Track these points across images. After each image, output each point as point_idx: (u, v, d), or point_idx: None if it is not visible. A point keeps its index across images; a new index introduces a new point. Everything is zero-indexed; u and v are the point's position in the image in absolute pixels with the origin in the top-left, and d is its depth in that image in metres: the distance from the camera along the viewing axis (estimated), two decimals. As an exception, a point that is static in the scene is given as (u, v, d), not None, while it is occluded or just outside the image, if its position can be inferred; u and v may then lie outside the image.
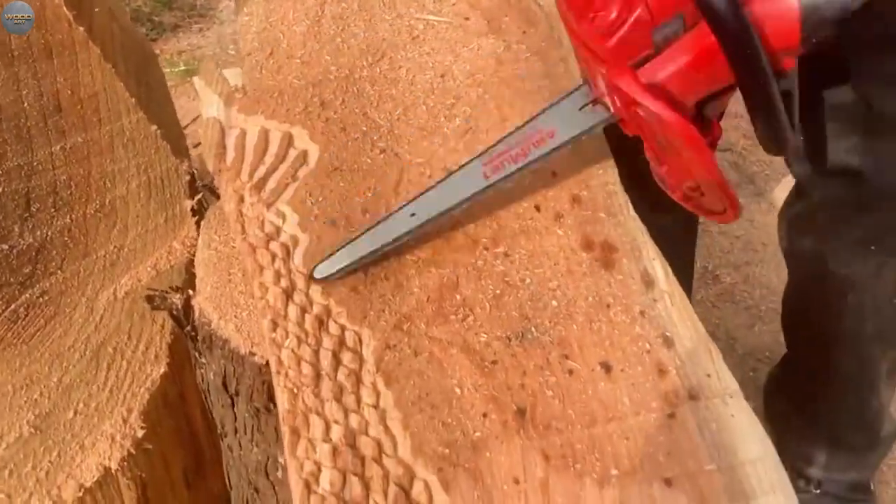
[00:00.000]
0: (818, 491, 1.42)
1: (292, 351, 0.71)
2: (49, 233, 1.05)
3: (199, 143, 1.03)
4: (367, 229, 0.77)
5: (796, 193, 1.20)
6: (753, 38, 0.60)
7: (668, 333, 0.75)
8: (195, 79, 0.98)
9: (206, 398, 0.98)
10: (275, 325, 0.73)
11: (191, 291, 0.87)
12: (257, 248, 0.79)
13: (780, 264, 1.74)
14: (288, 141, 0.90)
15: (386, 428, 0.67)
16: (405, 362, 0.71)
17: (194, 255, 0.93)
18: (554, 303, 0.77)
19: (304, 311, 0.74)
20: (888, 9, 0.89)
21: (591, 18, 0.67)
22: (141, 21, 2.72)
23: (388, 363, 0.71)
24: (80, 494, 0.92)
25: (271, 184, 0.86)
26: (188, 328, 0.90)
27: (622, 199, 0.87)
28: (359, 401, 0.69)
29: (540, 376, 0.71)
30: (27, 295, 1.04)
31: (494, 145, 0.80)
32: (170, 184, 1.04)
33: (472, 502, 0.63)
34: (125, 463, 1.01)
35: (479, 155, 0.80)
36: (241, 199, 0.84)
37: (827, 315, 1.25)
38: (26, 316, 1.04)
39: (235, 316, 0.82)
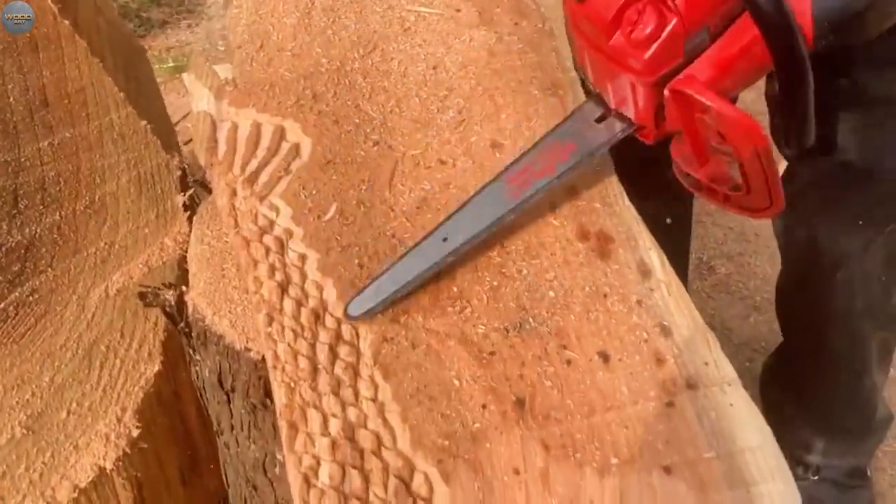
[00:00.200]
0: (816, 477, 1.44)
1: (289, 345, 0.70)
2: (38, 230, 1.03)
3: (190, 140, 1.02)
4: (399, 259, 0.75)
5: (787, 176, 1.21)
6: (796, 32, 0.65)
7: (665, 322, 0.74)
8: (184, 74, 0.97)
9: (201, 395, 0.97)
10: (270, 319, 0.73)
11: (184, 287, 0.86)
12: (251, 242, 0.79)
13: (774, 254, 1.74)
14: (280, 134, 0.89)
15: (384, 421, 0.66)
16: (403, 355, 0.71)
17: (186, 252, 0.92)
18: (551, 293, 0.76)
19: (299, 304, 0.74)
20: None
21: (627, 33, 0.71)
22: (129, 17, 2.70)
23: (386, 356, 0.71)
24: (75, 495, 0.91)
25: (264, 177, 0.85)
26: (182, 325, 0.89)
27: (617, 189, 0.86)
28: (357, 394, 0.68)
29: (538, 367, 0.71)
30: (17, 293, 1.03)
31: (515, 162, 0.80)
32: (160, 179, 1.03)
33: (472, 493, 0.62)
34: (120, 463, 1.00)
35: (502, 174, 0.80)
36: (234, 193, 0.84)
37: (818, 294, 1.27)
38: (16, 315, 1.03)
39: (230, 311, 0.81)
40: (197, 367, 0.92)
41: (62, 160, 1.03)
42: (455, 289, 0.77)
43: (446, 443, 0.65)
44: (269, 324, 0.72)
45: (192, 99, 0.92)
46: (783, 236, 1.30)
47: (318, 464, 0.63)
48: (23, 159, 1.01)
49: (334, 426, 0.65)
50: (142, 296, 0.88)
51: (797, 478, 1.45)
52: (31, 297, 1.04)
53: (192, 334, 0.86)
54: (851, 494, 1.42)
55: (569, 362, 0.71)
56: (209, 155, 0.88)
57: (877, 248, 1.18)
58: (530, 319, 0.74)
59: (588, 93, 0.84)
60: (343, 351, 0.71)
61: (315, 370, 0.69)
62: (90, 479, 0.97)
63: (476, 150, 0.89)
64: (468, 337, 0.73)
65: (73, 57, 0.99)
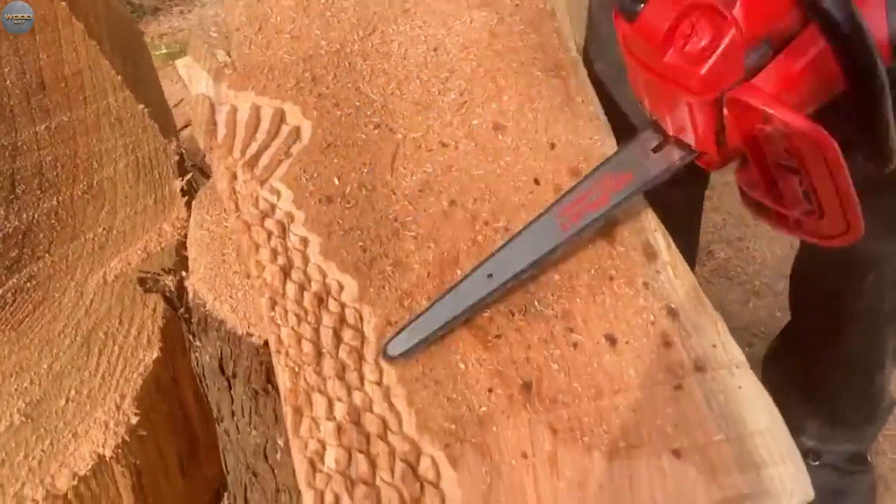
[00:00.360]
0: (816, 463, 1.43)
1: (292, 329, 0.69)
2: (35, 215, 1.02)
3: (187, 125, 1.01)
4: (441, 297, 0.71)
5: None
6: (872, 47, 0.61)
7: (672, 305, 0.74)
8: (178, 60, 0.96)
9: (201, 382, 0.96)
10: (273, 303, 0.72)
11: (184, 273, 0.85)
12: (252, 226, 0.77)
13: (774, 239, 1.74)
14: (280, 117, 0.88)
15: (390, 405, 0.66)
16: (407, 338, 0.70)
17: (185, 237, 0.91)
18: (556, 276, 0.76)
19: (302, 288, 0.73)
20: None
21: (681, 46, 0.65)
22: (121, 4, 2.67)
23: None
24: (74, 483, 0.90)
25: (264, 160, 0.84)
26: (182, 311, 0.88)
27: (622, 171, 0.86)
28: (361, 378, 0.67)
29: (545, 350, 0.70)
30: (14, 280, 1.02)
31: (567, 194, 0.76)
32: (158, 164, 1.02)
33: (480, 477, 0.62)
34: (119, 450, 0.99)
35: (552, 206, 0.75)
36: (234, 177, 0.82)
37: (843, 293, 1.23)
38: (14, 301, 1.02)
39: (231, 296, 0.80)
40: (197, 354, 0.91)
41: (59, 144, 1.02)
42: (459, 272, 0.76)
43: (453, 427, 0.64)
44: (272, 308, 0.71)
45: (191, 82, 0.91)
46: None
47: (324, 448, 0.63)
48: (20, 143, 0.99)
49: (339, 410, 0.65)
50: (141, 281, 0.87)
51: (799, 463, 1.46)
52: (28, 284, 1.02)
53: (193, 320, 0.85)
54: (851, 479, 1.42)
55: (575, 345, 0.70)
56: (208, 138, 0.86)
57: None
58: (536, 303, 0.74)
59: (645, 122, 0.78)
60: (347, 335, 0.70)
61: (319, 354, 0.68)
62: (89, 466, 0.96)
63: (478, 132, 0.88)
64: (473, 321, 0.72)
65: (71, 40, 0.98)
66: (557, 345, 0.70)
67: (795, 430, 1.46)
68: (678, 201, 1.21)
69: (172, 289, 0.86)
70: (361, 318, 0.71)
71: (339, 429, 0.63)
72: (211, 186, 0.89)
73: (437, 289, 0.74)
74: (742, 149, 0.70)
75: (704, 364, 0.69)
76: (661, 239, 0.80)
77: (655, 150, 0.75)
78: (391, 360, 0.68)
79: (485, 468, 0.62)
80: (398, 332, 0.69)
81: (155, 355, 1.01)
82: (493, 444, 0.64)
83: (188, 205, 1.06)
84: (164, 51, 2.54)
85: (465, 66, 0.94)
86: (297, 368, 0.67)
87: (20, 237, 1.02)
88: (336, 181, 0.82)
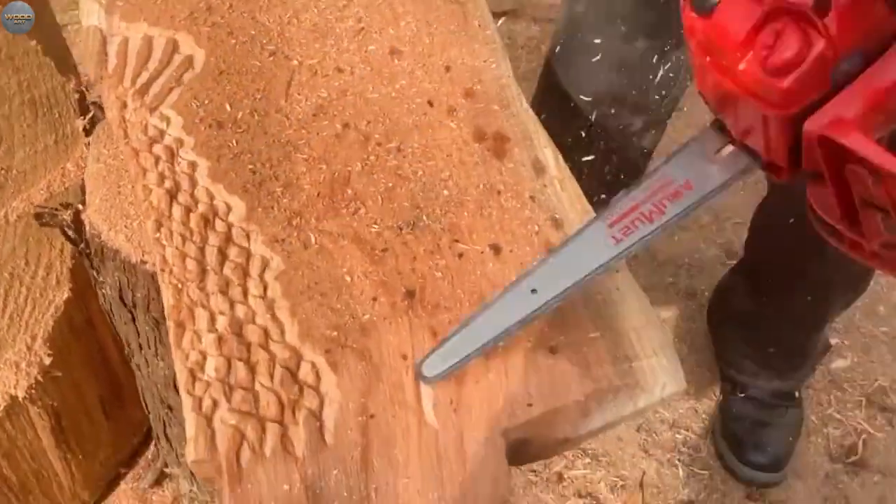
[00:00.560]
0: (743, 395, 1.45)
1: (177, 248, 0.70)
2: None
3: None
4: (481, 311, 0.65)
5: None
6: None
7: (557, 216, 0.75)
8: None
9: (110, 319, 0.96)
10: (159, 225, 0.72)
11: (80, 206, 0.85)
12: (140, 152, 0.77)
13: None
14: (172, 46, 0.87)
15: (273, 316, 0.67)
16: (294, 255, 0.71)
17: (88, 174, 0.90)
18: (445, 192, 0.77)
19: (189, 210, 0.73)
20: None
21: (762, 58, 0.58)
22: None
23: (277, 256, 0.71)
24: (-12, 423, 0.91)
25: (155, 89, 0.83)
26: (82, 246, 0.88)
27: (515, 91, 0.87)
28: (245, 293, 0.68)
29: (430, 261, 0.71)
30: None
31: (618, 203, 0.66)
32: (57, 103, 1.01)
33: (359, 378, 0.63)
34: (33, 391, 0.99)
35: (602, 215, 0.65)
36: (124, 105, 0.82)
37: (802, 252, 1.23)
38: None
39: (126, 226, 0.80)
40: (103, 290, 0.91)
41: (-54, 83, 1.00)
42: (350, 191, 0.77)
43: (335, 334, 0.66)
44: (158, 229, 0.71)
45: (82, 14, 0.90)
46: (785, 189, 1.22)
47: (205, 359, 0.63)
48: None
49: (221, 323, 0.65)
50: (38, 216, 0.86)
51: (725, 393, 1.49)
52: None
53: (91, 252, 0.85)
54: (776, 413, 1.44)
55: (460, 255, 0.72)
56: (99, 69, 0.86)
57: None
58: (424, 217, 0.75)
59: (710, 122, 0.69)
60: (233, 252, 0.70)
61: (203, 272, 0.69)
62: (2, 407, 0.96)
63: (374, 57, 0.88)
64: (361, 236, 0.73)
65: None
66: (443, 255, 0.72)
67: (728, 363, 1.48)
68: (635, 154, 1.22)
69: (70, 223, 0.86)
70: (248, 237, 0.72)
71: (220, 339, 0.64)
72: (109, 121, 0.88)
73: (327, 208, 0.75)
74: (820, 174, 0.62)
75: (586, 269, 0.71)
76: (549, 154, 0.81)
77: (718, 153, 0.66)
78: (427, 381, 0.64)
79: (365, 370, 0.64)
80: (433, 351, 0.65)
81: (65, 295, 1.01)
82: (375, 348, 0.65)
83: (92, 144, 1.05)
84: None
85: (362, -6, 0.94)
86: (180, 285, 0.68)
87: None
88: (228, 107, 0.82)
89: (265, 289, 0.68)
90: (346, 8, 0.93)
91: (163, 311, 0.79)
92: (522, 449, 0.65)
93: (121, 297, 0.85)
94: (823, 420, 1.48)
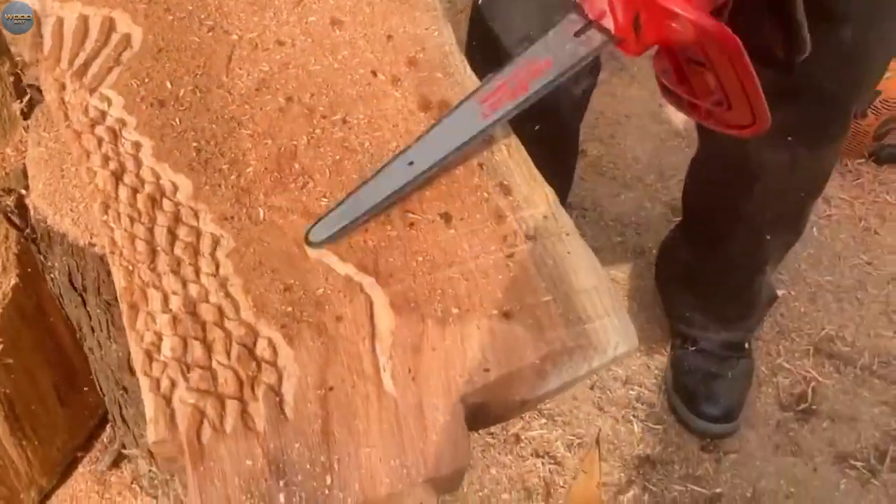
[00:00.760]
0: (694, 348, 1.49)
1: (125, 230, 0.69)
2: None
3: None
4: (363, 184, 0.72)
5: None
6: None
7: (505, 182, 0.76)
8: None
9: (60, 304, 0.95)
10: (106, 207, 0.71)
11: (23, 191, 0.83)
12: (82, 134, 0.76)
13: (643, 135, 1.80)
14: (109, 25, 0.85)
15: (227, 294, 0.67)
16: (244, 231, 0.71)
17: (29, 159, 0.88)
18: (395, 164, 0.77)
19: (135, 191, 0.72)
20: None
21: None
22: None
23: (227, 234, 0.71)
24: (-63, 412, 0.89)
25: (94, 69, 0.82)
26: (28, 231, 0.87)
27: (458, 59, 0.87)
28: (197, 271, 0.68)
29: (381, 232, 0.72)
30: None
31: (488, 82, 0.75)
32: (-9, 87, 0.98)
33: (316, 351, 0.64)
34: (-15, 380, 0.98)
35: (474, 93, 0.75)
36: (63, 87, 0.80)
37: (731, 198, 1.28)
38: None
39: (71, 210, 0.79)
40: (52, 275, 0.90)
41: None
42: (297, 165, 0.76)
43: (289, 308, 0.66)
44: (105, 212, 0.71)
45: (12, -6, 0.87)
46: (709, 136, 1.28)
47: (160, 339, 0.63)
48: None
49: (175, 303, 0.65)
50: (-22, 203, 0.85)
51: (676, 347, 1.53)
52: None
53: (38, 238, 0.84)
54: (726, 364, 1.48)
55: (411, 225, 0.73)
56: (34, 51, 0.84)
57: (803, 166, 1.18)
58: (374, 190, 0.75)
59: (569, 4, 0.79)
60: (182, 232, 0.70)
61: (154, 252, 0.68)
62: (-48, 397, 0.94)
63: (315, 28, 0.88)
64: (311, 210, 0.73)
65: None
66: (394, 226, 0.72)
67: (677, 318, 1.52)
68: (567, 104, 1.23)
69: (14, 208, 0.84)
70: (197, 216, 0.72)
71: (175, 319, 0.64)
72: (48, 105, 0.86)
73: (275, 184, 0.75)
74: (655, 39, 0.72)
75: (535, 234, 0.73)
76: (497, 121, 0.82)
77: (577, 34, 0.75)
78: (315, 246, 0.70)
79: (322, 344, 0.64)
80: (319, 220, 0.70)
81: (13, 282, 0.99)
82: (330, 321, 0.66)
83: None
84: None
85: (301, -35, 0.93)
86: (130, 267, 0.67)
87: None
88: (169, 85, 0.81)
89: (217, 267, 0.68)
90: (284, -21, 0.92)
91: (114, 294, 0.78)
92: (481, 413, 0.67)
93: (70, 282, 0.84)
94: (773, 370, 1.53)
